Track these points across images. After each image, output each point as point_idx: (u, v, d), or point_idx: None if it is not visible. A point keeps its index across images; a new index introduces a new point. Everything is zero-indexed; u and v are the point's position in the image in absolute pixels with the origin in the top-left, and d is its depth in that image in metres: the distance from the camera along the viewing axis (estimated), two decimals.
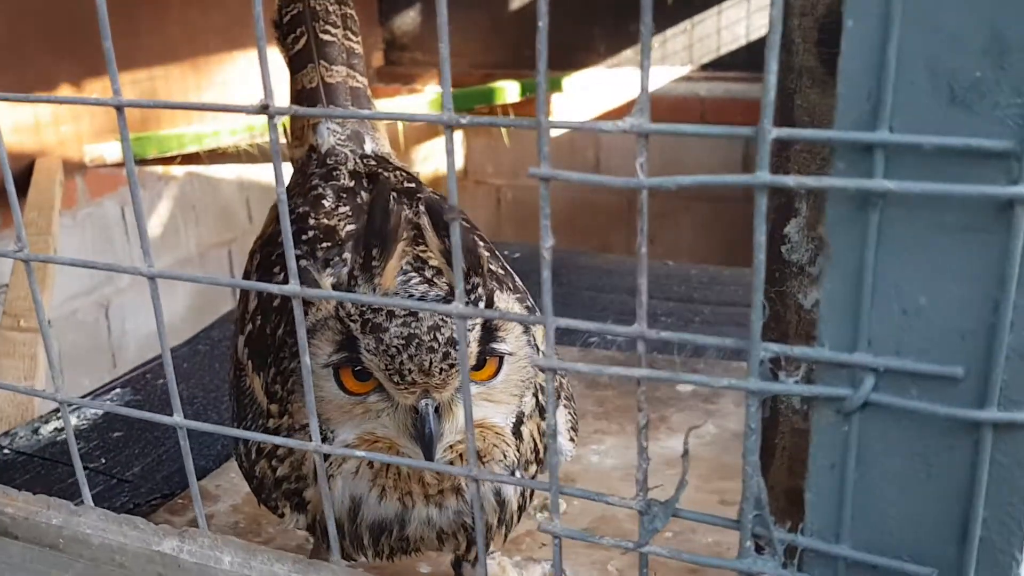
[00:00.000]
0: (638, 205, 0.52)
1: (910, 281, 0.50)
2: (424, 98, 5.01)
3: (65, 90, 3.67)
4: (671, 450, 1.82)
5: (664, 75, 4.92)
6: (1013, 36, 0.44)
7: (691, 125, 0.51)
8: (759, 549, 0.58)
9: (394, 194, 0.96)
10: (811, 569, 0.58)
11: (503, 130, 5.31)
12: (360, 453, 0.71)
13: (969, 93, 0.46)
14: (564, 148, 5.00)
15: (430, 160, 5.32)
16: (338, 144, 1.41)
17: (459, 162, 5.48)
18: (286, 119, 1.53)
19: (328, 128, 1.42)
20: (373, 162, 1.39)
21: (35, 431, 2.03)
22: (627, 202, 5.04)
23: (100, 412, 2.08)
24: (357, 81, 1.47)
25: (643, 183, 0.51)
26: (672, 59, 5.06)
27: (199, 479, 1.78)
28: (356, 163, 1.37)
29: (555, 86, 5.00)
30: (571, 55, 4.91)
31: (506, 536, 1.13)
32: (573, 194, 5.00)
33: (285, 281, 1.21)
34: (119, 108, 0.69)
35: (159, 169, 4.03)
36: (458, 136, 5.41)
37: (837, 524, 0.56)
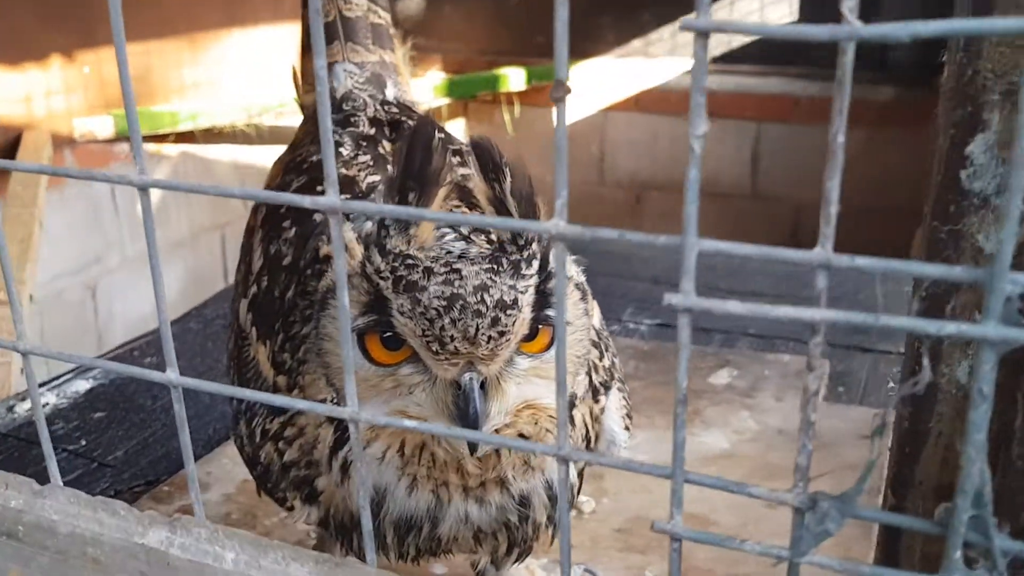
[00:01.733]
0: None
1: None
2: (427, 82, 4.87)
3: (56, 60, 3.52)
4: (707, 446, 1.66)
5: (675, 67, 4.79)
6: None
7: None
8: (969, 562, 0.43)
9: (438, 133, 0.80)
10: None
11: (507, 118, 5.19)
12: (409, 423, 0.55)
13: None
14: (569, 143, 4.87)
15: None
16: (356, 88, 1.25)
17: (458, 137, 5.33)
18: (296, 64, 1.37)
19: (345, 70, 1.26)
20: (395, 109, 1.23)
21: (10, 409, 1.86)
22: (635, 196, 4.90)
23: (81, 391, 1.92)
24: (379, 17, 1.31)
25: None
26: (683, 51, 4.92)
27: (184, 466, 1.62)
28: (377, 110, 1.21)
29: None
30: (579, 44, 4.78)
31: (553, 537, 0.97)
32: (580, 187, 4.87)
33: (296, 233, 1.06)
34: (143, 189, 0.54)
35: (150, 147, 3.87)
36: (459, 124, 5.27)
37: None
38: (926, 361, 0.43)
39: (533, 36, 5.00)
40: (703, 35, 0.38)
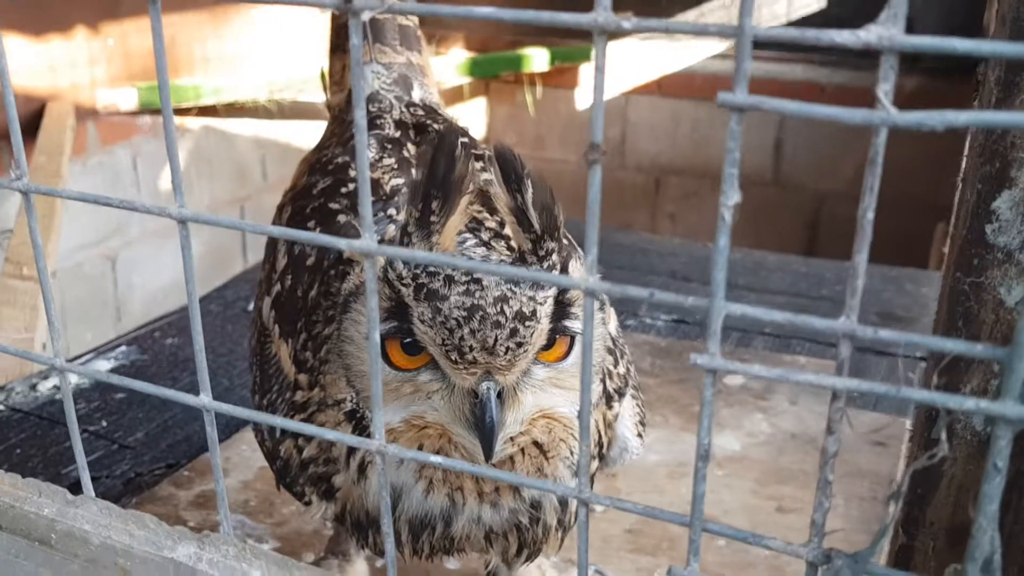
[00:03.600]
0: (871, 153, 0.38)
1: None
2: (449, 61, 4.85)
3: (80, 32, 3.53)
4: (719, 448, 1.68)
5: (700, 51, 4.76)
6: None
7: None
8: None
9: (463, 140, 0.81)
10: None
11: (529, 98, 5.17)
12: (436, 460, 0.56)
13: None
14: (588, 127, 4.86)
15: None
16: (383, 89, 1.26)
17: (481, 130, 5.32)
18: (324, 64, 1.38)
19: (372, 71, 1.27)
20: (421, 112, 1.24)
21: (33, 387, 1.89)
22: (654, 181, 4.89)
23: (104, 369, 1.94)
24: (407, 19, 1.32)
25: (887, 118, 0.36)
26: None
27: (206, 451, 1.65)
28: (402, 112, 1.22)
29: (584, 56, 4.83)
30: None
31: (562, 540, 0.99)
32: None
33: (322, 233, 1.07)
34: (182, 222, 0.55)
35: (175, 120, 3.89)
36: (481, 103, 5.26)
37: None
38: (943, 435, 0.44)
39: (557, 9, 4.98)
40: (739, 110, 0.39)
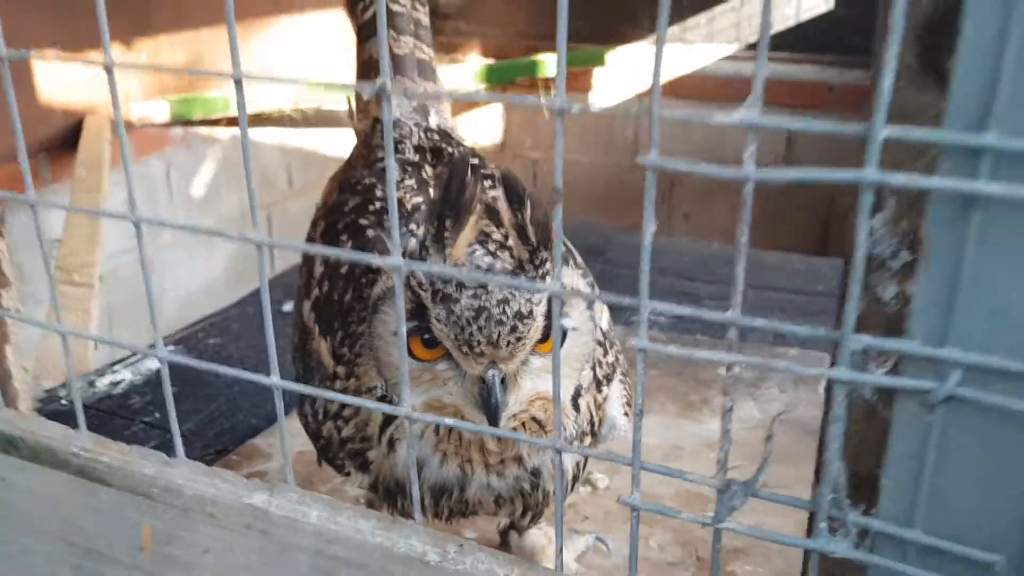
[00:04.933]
0: (743, 197, 0.55)
1: (1004, 283, 0.52)
2: (466, 68, 5.00)
3: (114, 48, 3.71)
4: (711, 431, 1.85)
5: (711, 53, 4.89)
6: None
7: (801, 120, 0.53)
8: (832, 531, 0.61)
9: (471, 167, 0.98)
10: (882, 551, 0.60)
11: (543, 102, 5.27)
12: (449, 421, 0.74)
13: None
14: (603, 126, 4.99)
15: (468, 130, 5.33)
16: (403, 116, 1.44)
17: (497, 135, 5.49)
18: (351, 94, 1.56)
19: (395, 101, 1.45)
20: (437, 136, 1.42)
21: (91, 384, 2.09)
22: (668, 181, 5.03)
23: (154, 368, 2.14)
24: (424, 53, 1.50)
25: (751, 175, 0.53)
26: (719, 37, 5.02)
27: (250, 438, 1.84)
28: (420, 137, 1.40)
29: (598, 60, 4.98)
30: (615, 28, 4.88)
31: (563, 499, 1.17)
32: (610, 172, 5.00)
33: (353, 247, 1.25)
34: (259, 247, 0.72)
35: (204, 130, 4.07)
36: (497, 109, 5.42)
37: (911, 510, 0.59)
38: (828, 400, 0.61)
39: (572, 21, 5.12)
40: (653, 171, 0.57)
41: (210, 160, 4.11)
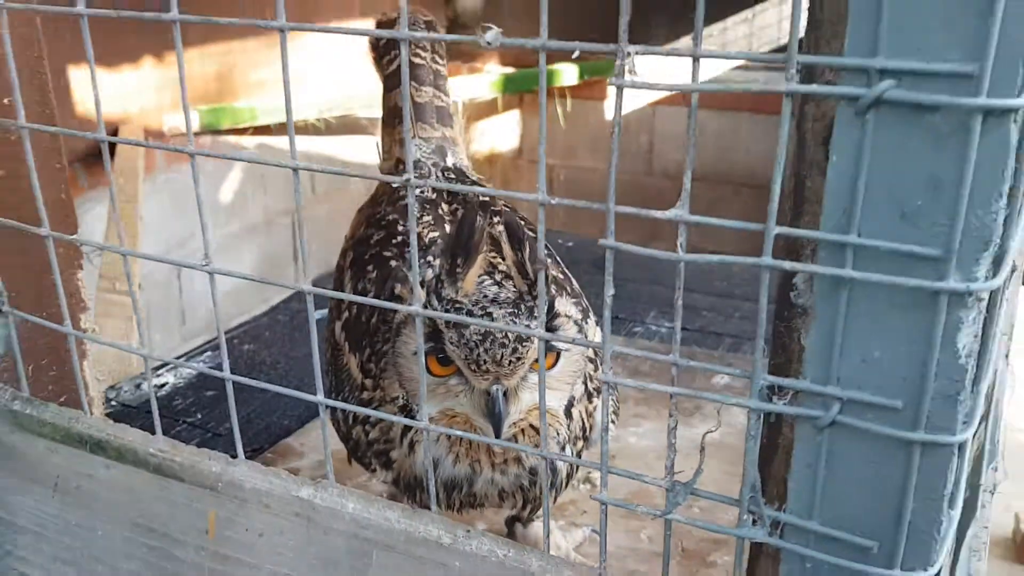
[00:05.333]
0: (677, 271, 0.73)
1: (869, 339, 0.70)
2: (485, 78, 5.17)
3: (147, 61, 3.90)
4: (700, 436, 2.02)
5: (722, 64, 5.05)
6: (944, 179, 0.64)
7: (723, 220, 0.71)
8: (753, 522, 0.79)
9: (480, 214, 1.17)
10: (789, 538, 0.79)
11: (559, 111, 5.44)
12: (459, 432, 0.93)
13: (914, 214, 0.66)
14: (620, 134, 5.15)
15: (487, 136, 5.51)
16: (423, 158, 1.63)
17: (514, 141, 5.66)
18: (379, 136, 1.75)
19: (415, 143, 1.64)
20: (453, 175, 1.61)
21: (137, 386, 2.30)
22: (677, 193, 5.18)
23: (195, 372, 2.34)
24: (442, 101, 1.69)
25: (683, 258, 0.72)
26: (731, 47, 5.18)
27: (284, 438, 2.04)
28: (438, 176, 1.59)
29: (609, 70, 5.15)
30: (631, 40, 5.03)
31: (555, 499, 1.35)
32: (624, 177, 5.16)
33: (377, 275, 1.44)
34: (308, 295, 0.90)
35: (232, 139, 4.26)
36: (514, 115, 5.59)
37: (810, 507, 0.77)
38: (754, 420, 0.79)
39: (587, 32, 5.31)
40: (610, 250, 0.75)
41: (237, 168, 4.31)
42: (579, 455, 1.37)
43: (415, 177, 0.83)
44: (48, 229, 1.02)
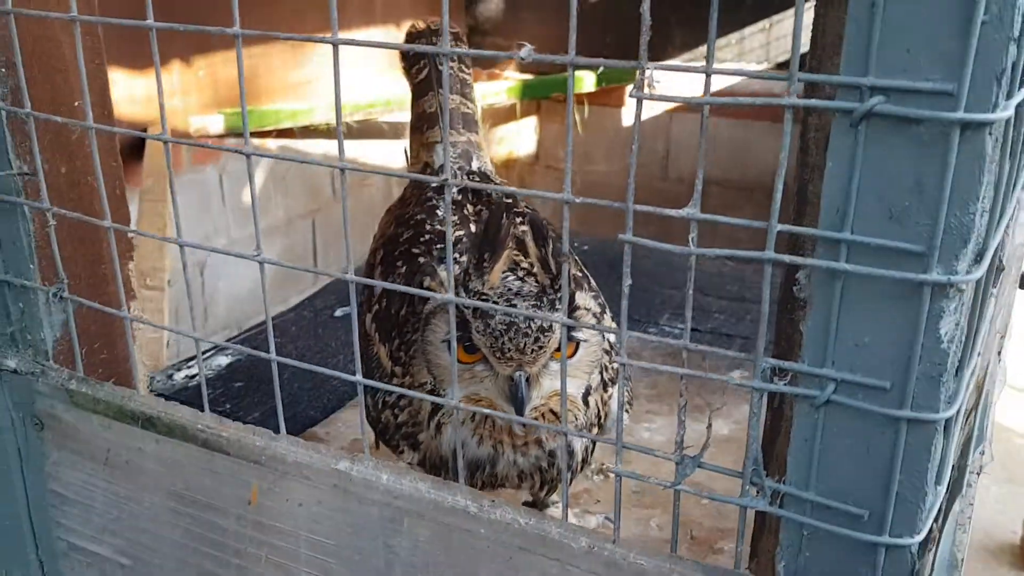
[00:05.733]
0: (688, 264, 0.81)
1: (860, 326, 0.78)
2: (504, 84, 5.25)
3: (175, 65, 4.00)
4: (714, 430, 2.10)
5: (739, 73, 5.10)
6: (927, 183, 0.72)
7: (730, 219, 0.79)
8: (755, 493, 0.87)
9: (506, 212, 1.26)
10: (789, 507, 0.87)
11: (577, 117, 5.51)
12: (486, 410, 1.01)
13: (901, 214, 0.74)
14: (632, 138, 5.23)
15: (505, 142, 5.60)
16: (450, 161, 1.71)
17: (532, 147, 5.75)
18: (407, 141, 1.85)
19: (442, 147, 1.73)
20: (478, 178, 1.70)
21: (169, 377, 2.39)
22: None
23: (223, 364, 2.44)
24: (468, 108, 1.78)
25: (694, 251, 0.80)
26: (749, 56, 5.25)
27: (311, 427, 2.13)
28: (462, 179, 1.68)
29: (630, 76, 5.23)
30: (649, 49, 5.10)
31: (571, 481, 1.44)
32: (639, 182, 5.19)
33: (407, 270, 1.53)
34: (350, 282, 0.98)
35: (255, 141, 4.36)
36: (532, 121, 5.67)
37: (807, 479, 0.85)
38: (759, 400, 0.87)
39: (604, 39, 5.39)
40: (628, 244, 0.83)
41: (260, 170, 4.41)
42: (594, 442, 1.45)
43: (448, 179, 0.91)
44: (110, 221, 1.11)
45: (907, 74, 0.71)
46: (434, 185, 1.71)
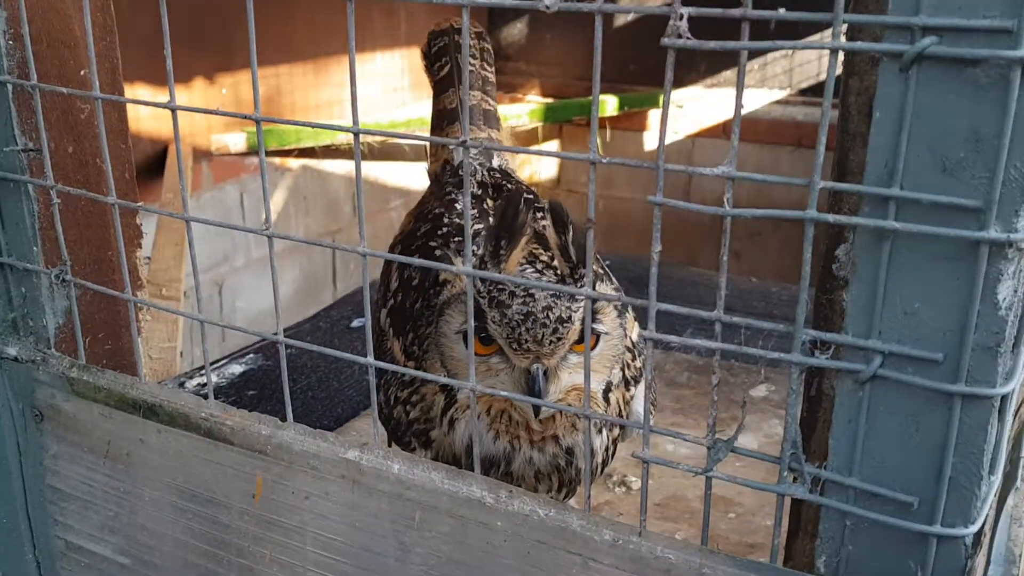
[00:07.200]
0: (723, 226, 0.76)
1: (909, 292, 0.72)
2: (527, 107, 5.24)
3: (198, 82, 4.01)
4: (741, 445, 2.03)
5: (762, 97, 5.08)
6: (984, 131, 0.66)
7: (768, 176, 0.74)
8: (794, 480, 0.81)
9: (524, 198, 1.20)
10: (830, 495, 0.80)
11: (598, 141, 5.46)
12: (504, 393, 0.95)
13: (955, 167, 0.68)
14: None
15: (527, 165, 5.58)
16: (470, 158, 1.67)
17: (553, 171, 5.72)
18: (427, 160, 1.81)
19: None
20: (498, 174, 1.65)
21: (181, 384, 2.34)
22: (719, 220, 5.20)
23: (237, 373, 2.39)
24: (489, 104, 1.73)
25: (729, 212, 0.74)
26: (771, 82, 5.22)
27: None
28: (484, 175, 1.63)
29: (653, 101, 5.21)
30: (673, 73, 5.09)
31: (592, 479, 1.37)
32: (667, 208, 5.17)
33: (423, 267, 1.48)
34: (364, 254, 0.94)
35: (277, 160, 4.36)
36: (553, 145, 5.65)
37: (850, 463, 0.78)
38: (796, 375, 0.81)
39: (627, 64, 5.37)
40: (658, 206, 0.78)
41: (281, 189, 4.40)
42: (615, 443, 1.38)
43: (467, 143, 0.86)
44: (115, 197, 1.06)
45: (962, 11, 0.65)
46: (452, 148, 1.66)
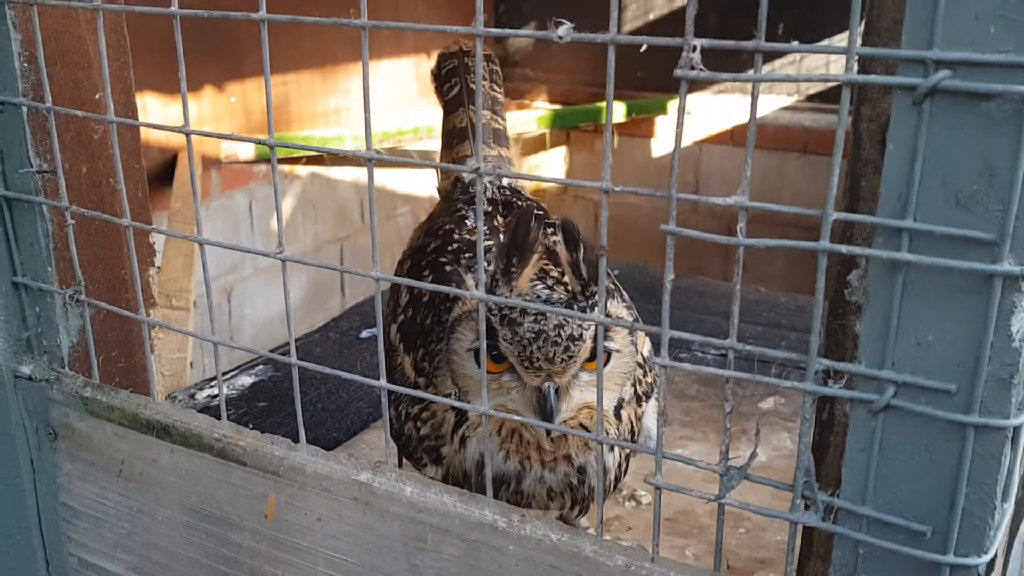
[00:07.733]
0: (736, 255, 0.76)
1: (923, 323, 0.72)
2: (534, 114, 5.24)
3: (207, 91, 4.03)
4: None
5: (770, 104, 5.08)
6: (998, 165, 0.66)
7: (781, 207, 0.74)
8: (806, 507, 0.81)
9: (535, 215, 1.21)
10: (843, 523, 0.80)
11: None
12: (517, 417, 0.96)
13: (969, 200, 0.68)
14: (664, 169, 5.19)
15: (534, 171, 5.58)
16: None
17: (561, 177, 5.72)
18: (438, 158, 1.81)
19: (471, 161, 1.69)
20: (508, 192, 1.65)
21: (191, 396, 2.35)
22: (726, 227, 5.20)
23: (247, 384, 2.40)
24: (498, 124, 1.74)
25: (741, 242, 0.75)
26: (779, 88, 5.21)
27: (333, 447, 2.07)
28: (494, 192, 1.64)
29: (660, 108, 5.20)
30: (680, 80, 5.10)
31: (604, 497, 1.37)
32: (668, 216, 5.17)
33: (433, 279, 1.49)
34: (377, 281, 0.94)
35: (285, 167, 4.37)
36: (561, 151, 5.66)
37: (863, 492, 0.78)
38: (808, 403, 0.81)
39: (634, 71, 5.37)
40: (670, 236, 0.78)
41: (290, 196, 4.42)
42: (627, 459, 1.38)
43: (480, 170, 0.87)
44: (129, 219, 1.07)
45: (975, 45, 0.65)
46: (466, 178, 1.67)
